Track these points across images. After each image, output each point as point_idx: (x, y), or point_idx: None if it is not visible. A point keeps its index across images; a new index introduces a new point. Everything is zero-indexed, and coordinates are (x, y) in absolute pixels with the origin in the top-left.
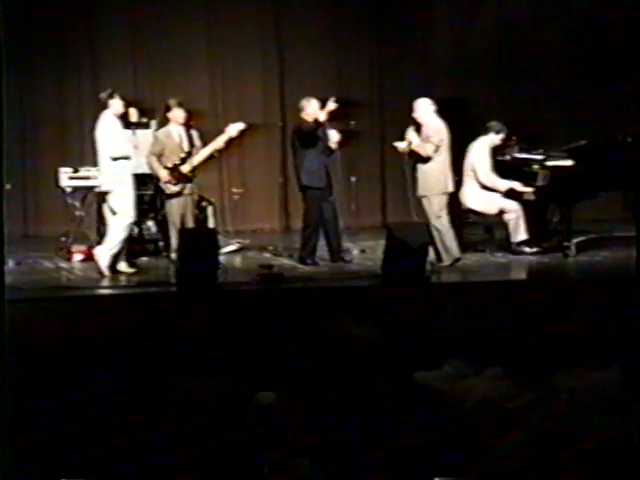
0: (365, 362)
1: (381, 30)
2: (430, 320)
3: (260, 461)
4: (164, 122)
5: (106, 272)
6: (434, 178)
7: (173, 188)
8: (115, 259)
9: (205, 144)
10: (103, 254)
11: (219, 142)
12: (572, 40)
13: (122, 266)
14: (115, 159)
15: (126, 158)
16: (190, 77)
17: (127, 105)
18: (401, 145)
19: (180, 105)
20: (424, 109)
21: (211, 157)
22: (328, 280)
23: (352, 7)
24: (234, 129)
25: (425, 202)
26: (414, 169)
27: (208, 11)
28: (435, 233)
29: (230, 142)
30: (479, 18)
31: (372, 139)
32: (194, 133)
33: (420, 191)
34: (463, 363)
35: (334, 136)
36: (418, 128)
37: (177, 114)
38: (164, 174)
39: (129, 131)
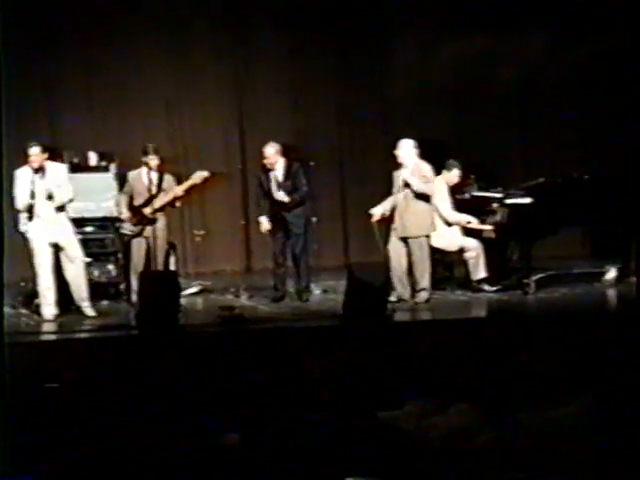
0: (327, 403)
1: (339, 71)
2: (392, 359)
3: None
4: (127, 165)
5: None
6: (424, 219)
7: (132, 229)
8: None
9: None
10: None
11: (181, 188)
12: (529, 78)
13: (87, 309)
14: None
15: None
16: (149, 121)
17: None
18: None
19: (156, 152)
20: (408, 151)
21: (172, 203)
22: (289, 320)
23: (310, 49)
24: (198, 177)
25: (413, 242)
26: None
27: (167, 55)
28: (418, 272)
29: (192, 189)
30: (436, 57)
31: (332, 179)
32: (167, 178)
33: (411, 231)
34: (426, 401)
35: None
36: (397, 166)
37: (151, 159)
38: (125, 215)
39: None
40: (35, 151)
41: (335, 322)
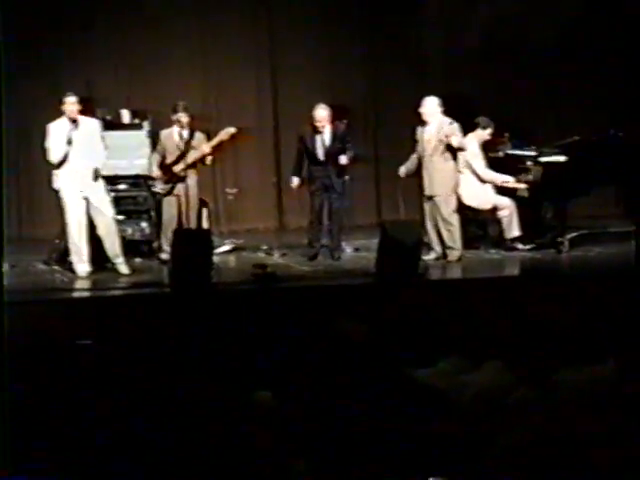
0: (361, 361)
1: (372, 31)
2: (426, 317)
3: (256, 461)
4: (160, 123)
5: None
6: (450, 177)
7: (164, 186)
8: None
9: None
10: None
11: (209, 145)
12: (565, 36)
13: (120, 267)
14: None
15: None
16: (183, 79)
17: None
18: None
19: (186, 109)
20: (433, 108)
21: (203, 160)
22: (322, 279)
23: (343, 10)
24: (225, 133)
25: (440, 201)
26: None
27: (201, 14)
28: (446, 231)
29: (220, 146)
30: (470, 15)
31: (366, 138)
32: (198, 135)
33: (437, 190)
34: (459, 359)
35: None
36: (422, 124)
37: (181, 117)
38: (156, 172)
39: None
40: (72, 100)
41: (368, 280)
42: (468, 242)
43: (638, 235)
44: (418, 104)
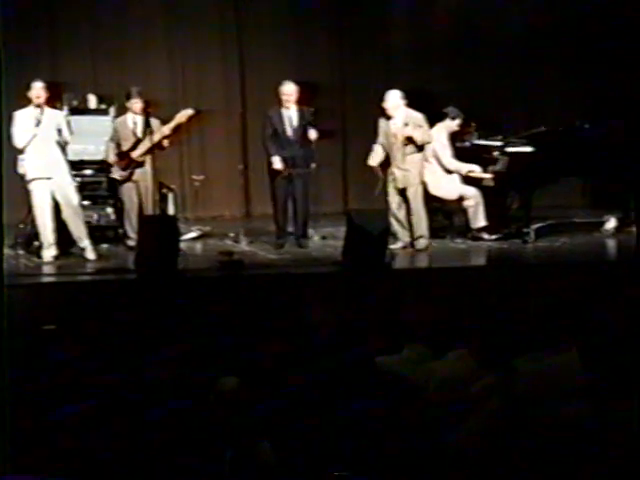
0: (325, 348)
1: (342, 16)
2: (391, 306)
3: (223, 446)
4: (123, 109)
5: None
6: (420, 168)
7: (121, 173)
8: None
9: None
10: None
11: (168, 127)
12: (532, 25)
13: (87, 252)
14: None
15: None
16: (149, 64)
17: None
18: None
19: (139, 94)
20: (396, 101)
21: (160, 145)
22: (289, 267)
23: None
24: (183, 115)
25: (412, 192)
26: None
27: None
28: (416, 220)
29: (179, 128)
30: (437, 5)
31: (333, 126)
32: (153, 121)
33: (409, 181)
34: (424, 347)
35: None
36: (387, 117)
37: (134, 103)
38: (112, 159)
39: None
40: (39, 85)
41: (335, 268)
42: (434, 232)
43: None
44: (382, 98)
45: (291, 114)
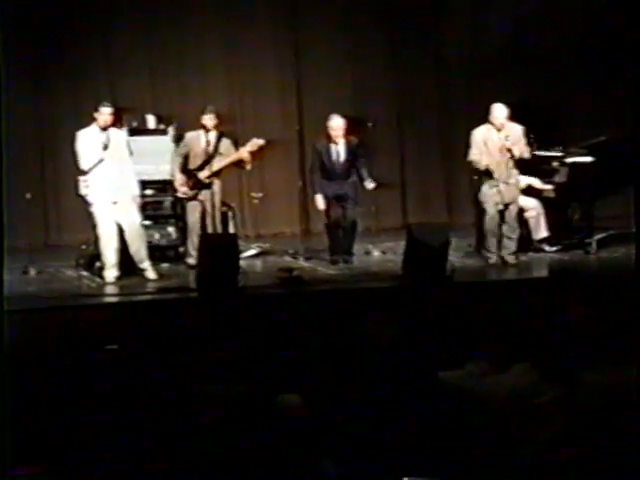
0: (388, 363)
1: (396, 38)
2: (453, 319)
3: (284, 463)
4: (184, 128)
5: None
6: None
7: (188, 192)
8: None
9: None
10: None
11: (238, 155)
12: (592, 34)
13: (147, 272)
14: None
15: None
16: (207, 84)
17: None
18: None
19: (213, 112)
20: (502, 113)
21: (241, 164)
22: (348, 282)
23: (368, 20)
24: (254, 144)
25: (514, 206)
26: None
27: (226, 19)
28: (510, 235)
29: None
30: (494, 15)
31: (391, 142)
32: (225, 141)
33: (514, 195)
34: (488, 361)
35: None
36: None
37: (208, 119)
38: (178, 177)
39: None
40: (107, 111)
41: (394, 283)
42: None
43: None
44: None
45: (339, 149)
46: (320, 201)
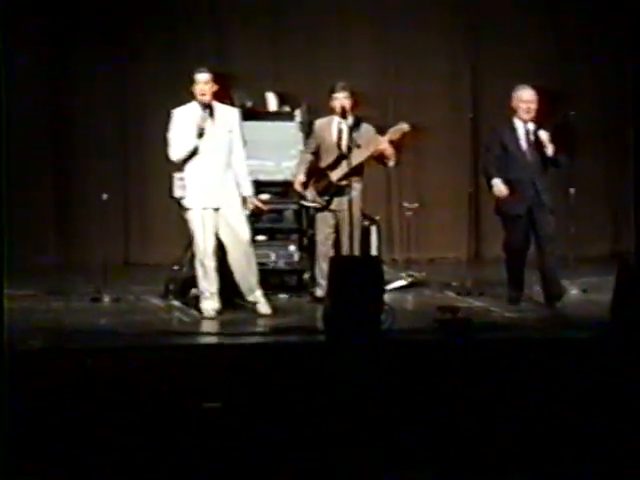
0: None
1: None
2: None
3: None
4: (318, 112)
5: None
6: None
7: (317, 199)
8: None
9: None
10: None
11: (375, 146)
12: None
13: (259, 305)
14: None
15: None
16: (349, 55)
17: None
18: None
19: (344, 89)
20: None
21: (382, 159)
22: (533, 330)
23: None
24: (396, 131)
25: None
26: None
27: None
28: None
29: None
30: None
31: (595, 140)
32: (365, 128)
33: None
34: None
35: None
36: None
37: (339, 101)
38: (301, 179)
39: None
40: (204, 77)
41: (599, 333)
42: None
43: None
44: None
45: (529, 128)
46: (500, 186)
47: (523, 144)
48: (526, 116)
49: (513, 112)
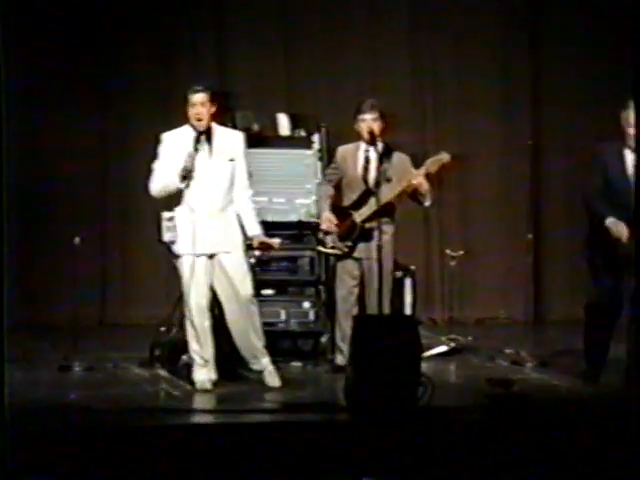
0: None
1: None
2: None
3: None
4: (339, 138)
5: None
6: None
7: (339, 245)
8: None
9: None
10: None
11: (408, 181)
12: None
13: (266, 375)
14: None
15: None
16: (377, 68)
17: None
18: None
19: (373, 109)
20: None
21: (416, 195)
22: (610, 409)
23: None
24: (434, 162)
25: None
26: None
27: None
28: None
29: (428, 177)
30: None
31: None
32: (398, 157)
33: None
34: None
35: None
36: None
37: (366, 124)
38: (328, 216)
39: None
40: (200, 98)
41: None
42: None
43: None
44: None
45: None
46: (618, 226)
47: (629, 171)
48: (630, 142)
49: (622, 133)
